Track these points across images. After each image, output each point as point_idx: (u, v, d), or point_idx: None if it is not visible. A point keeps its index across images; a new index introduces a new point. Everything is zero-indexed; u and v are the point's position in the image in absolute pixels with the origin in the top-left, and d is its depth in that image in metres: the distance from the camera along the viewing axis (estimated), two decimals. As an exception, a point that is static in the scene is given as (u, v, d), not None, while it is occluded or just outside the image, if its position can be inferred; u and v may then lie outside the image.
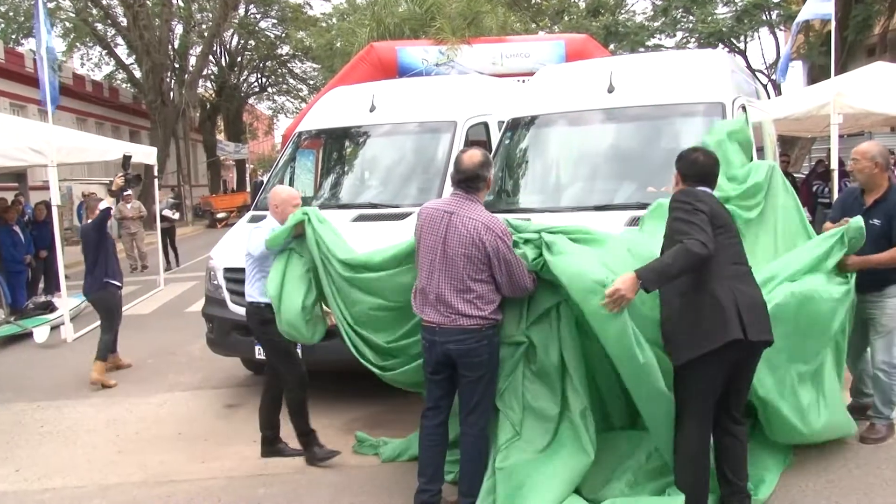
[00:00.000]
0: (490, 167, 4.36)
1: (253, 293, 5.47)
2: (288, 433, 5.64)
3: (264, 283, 5.20)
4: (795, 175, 14.62)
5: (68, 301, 10.84)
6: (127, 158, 9.30)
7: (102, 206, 8.35)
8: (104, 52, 34.94)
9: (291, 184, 8.61)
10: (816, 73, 20.50)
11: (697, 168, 4.20)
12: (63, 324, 10.33)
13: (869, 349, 5.42)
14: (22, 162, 10.31)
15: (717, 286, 3.86)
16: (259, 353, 6.60)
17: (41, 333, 10.19)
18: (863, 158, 5.27)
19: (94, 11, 31.87)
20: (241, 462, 5.66)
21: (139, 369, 8.57)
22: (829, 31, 9.13)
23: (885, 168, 5.26)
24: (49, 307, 11.33)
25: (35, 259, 13.08)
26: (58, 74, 9.75)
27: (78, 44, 34.07)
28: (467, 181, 4.28)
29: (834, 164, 9.52)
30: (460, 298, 4.21)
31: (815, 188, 13.71)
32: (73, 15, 31.56)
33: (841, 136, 9.66)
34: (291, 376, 5.47)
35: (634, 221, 5.67)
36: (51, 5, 29.90)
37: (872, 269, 5.06)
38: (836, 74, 9.47)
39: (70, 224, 22.63)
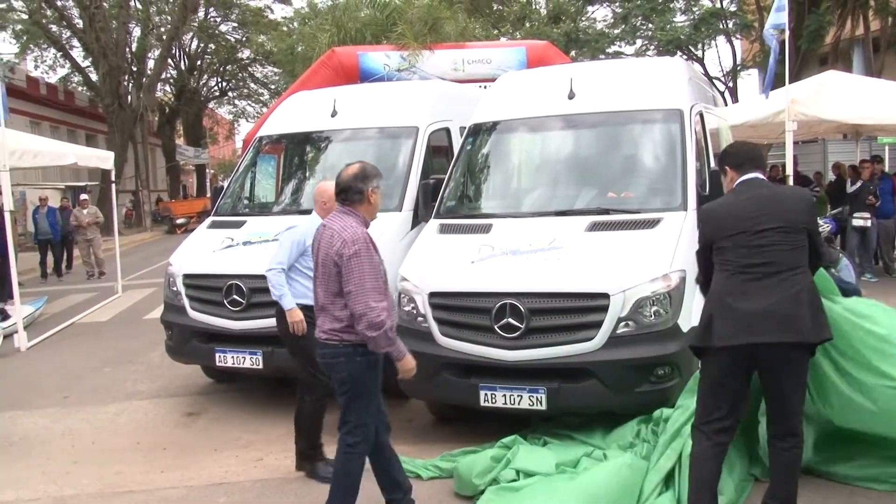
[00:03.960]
0: (371, 179, 4.28)
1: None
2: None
3: (298, 286, 5.30)
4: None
5: (22, 308, 10.62)
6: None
7: None
8: (59, 55, 34.37)
9: (252, 189, 8.56)
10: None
11: (744, 154, 4.26)
12: (16, 332, 10.11)
13: None
14: (-27, 166, 10.08)
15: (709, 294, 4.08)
16: (220, 360, 6.54)
17: (-6, 342, 9.97)
18: None
19: (49, 13, 31.31)
20: (200, 471, 5.59)
21: (96, 378, 8.42)
22: (783, 41, 9.30)
23: None
24: (2, 314, 11.08)
25: (-13, 266, 12.80)
26: (3, 80, 9.45)
27: (31, 45, 33.42)
28: (342, 193, 4.29)
29: (789, 170, 9.69)
30: (327, 311, 4.22)
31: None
32: (27, 17, 30.95)
33: (795, 143, 9.84)
34: (320, 385, 5.20)
35: (595, 226, 5.73)
36: (2, 6, 29.36)
37: None
38: (790, 83, 9.64)
39: (24, 230, 22.20)
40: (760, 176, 4.19)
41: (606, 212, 5.96)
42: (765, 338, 3.80)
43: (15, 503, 5.24)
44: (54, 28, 32.61)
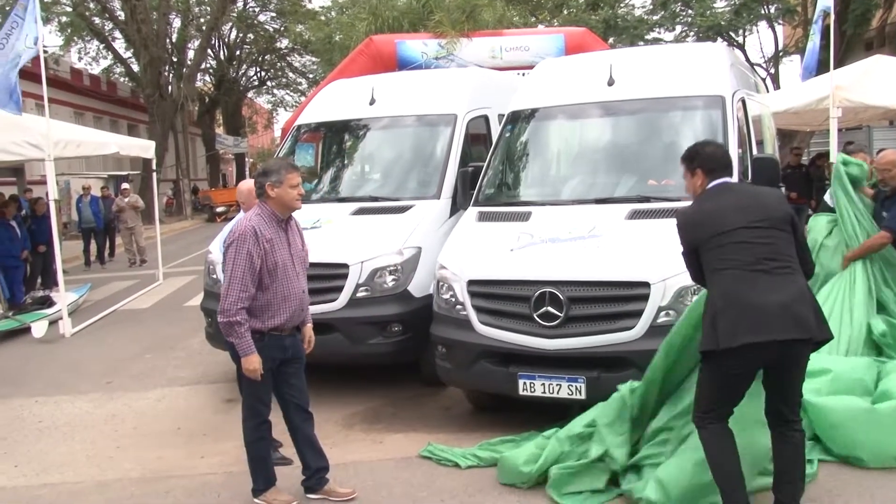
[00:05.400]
0: (270, 175, 4.49)
1: None
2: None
3: None
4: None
5: (67, 296, 10.82)
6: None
7: None
8: (102, 46, 34.83)
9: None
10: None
11: (718, 159, 4.17)
12: (61, 318, 10.29)
13: None
14: (19, 156, 10.28)
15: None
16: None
17: (39, 328, 10.16)
18: None
19: (92, 5, 31.75)
20: (240, 457, 5.61)
21: (138, 364, 8.55)
22: (828, 25, 9.07)
23: None
24: (47, 302, 11.29)
25: (33, 254, 13.05)
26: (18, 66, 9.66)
27: (75, 38, 33.92)
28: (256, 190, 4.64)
29: (833, 158, 9.47)
30: None
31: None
32: (70, 10, 31.42)
33: (839, 130, 9.62)
34: None
35: (635, 214, 5.66)
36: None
37: None
38: (834, 68, 9.42)
39: (68, 218, 22.60)
40: (731, 180, 4.19)
41: (647, 199, 5.89)
42: (785, 334, 3.70)
43: (61, 485, 5.34)
44: (97, 20, 33.03)
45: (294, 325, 4.65)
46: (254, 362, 4.39)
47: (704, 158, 4.18)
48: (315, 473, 4.81)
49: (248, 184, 5.76)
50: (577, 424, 4.86)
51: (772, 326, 3.69)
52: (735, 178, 4.30)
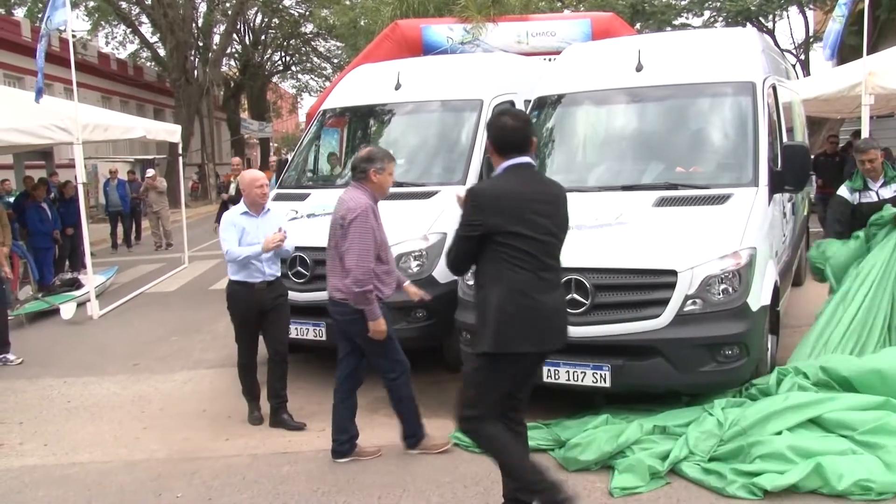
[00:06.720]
0: (375, 161, 4.91)
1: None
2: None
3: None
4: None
5: (94, 278, 10.94)
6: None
7: None
8: (128, 31, 35.02)
9: (316, 162, 8.61)
10: (846, 53, 20.11)
11: (508, 135, 3.79)
12: (89, 300, 10.41)
13: None
14: (48, 140, 10.36)
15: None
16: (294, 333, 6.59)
17: (68, 310, 10.28)
18: None
19: (119, -10, 31.96)
20: (264, 440, 5.68)
21: (164, 346, 8.63)
22: (861, 10, 8.88)
23: None
24: (75, 284, 11.42)
25: (62, 236, 13.22)
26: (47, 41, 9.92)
27: (102, 22, 34.14)
28: (353, 170, 5.10)
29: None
30: (336, 273, 4.96)
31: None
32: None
33: (871, 118, 9.45)
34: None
35: (662, 201, 5.61)
36: (76, -17, 30.01)
37: None
38: (867, 54, 9.25)
39: (96, 202, 22.82)
40: (532, 161, 3.89)
41: (675, 187, 5.84)
42: (552, 346, 3.79)
43: (89, 464, 5.41)
44: (124, 4, 33.22)
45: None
46: (382, 324, 4.90)
47: (495, 132, 3.86)
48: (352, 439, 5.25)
49: (250, 174, 5.90)
50: (667, 420, 4.99)
51: (548, 336, 3.76)
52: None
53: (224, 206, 11.30)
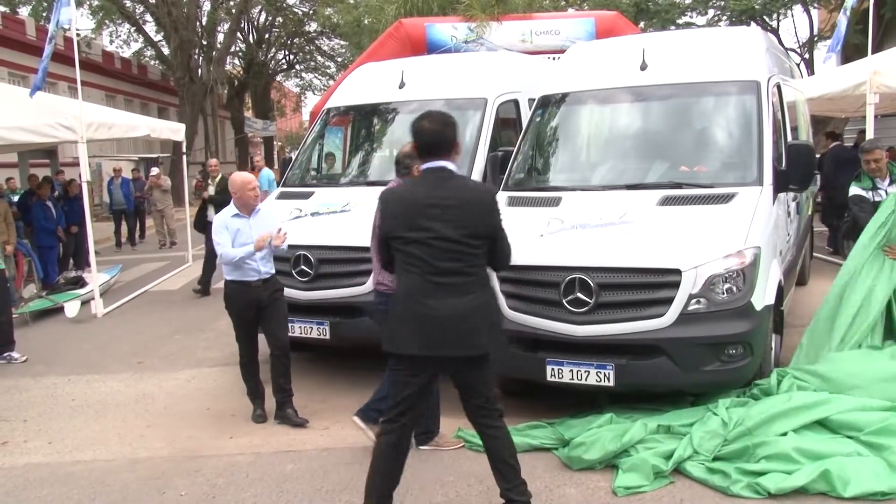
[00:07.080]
0: (414, 158, 4.63)
1: None
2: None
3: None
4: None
5: (98, 276, 10.95)
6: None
7: None
8: (133, 30, 35.05)
9: (319, 162, 8.61)
10: (850, 52, 20.04)
11: (424, 138, 3.87)
12: (93, 299, 10.43)
13: None
14: (53, 138, 10.38)
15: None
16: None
17: (72, 308, 10.30)
18: None
19: (123, -12, 31.97)
20: (268, 438, 5.69)
21: (167, 345, 8.64)
22: (867, 9, 8.87)
23: None
24: (79, 282, 11.44)
25: (66, 234, 13.24)
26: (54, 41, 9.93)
27: (107, 21, 34.18)
28: (396, 165, 5.38)
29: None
30: (377, 267, 4.91)
31: None
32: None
33: (875, 117, 9.44)
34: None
35: (666, 200, 5.61)
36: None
37: None
38: (872, 53, 9.23)
39: (100, 200, 22.86)
40: (447, 165, 3.88)
41: (679, 186, 5.82)
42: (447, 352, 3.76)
43: (93, 462, 5.42)
44: (128, 3, 33.23)
45: None
46: None
47: (413, 135, 3.94)
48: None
49: (241, 176, 5.92)
50: (671, 419, 5.00)
51: (439, 342, 3.76)
52: (453, 166, 3.91)
53: (204, 207, 11.25)
